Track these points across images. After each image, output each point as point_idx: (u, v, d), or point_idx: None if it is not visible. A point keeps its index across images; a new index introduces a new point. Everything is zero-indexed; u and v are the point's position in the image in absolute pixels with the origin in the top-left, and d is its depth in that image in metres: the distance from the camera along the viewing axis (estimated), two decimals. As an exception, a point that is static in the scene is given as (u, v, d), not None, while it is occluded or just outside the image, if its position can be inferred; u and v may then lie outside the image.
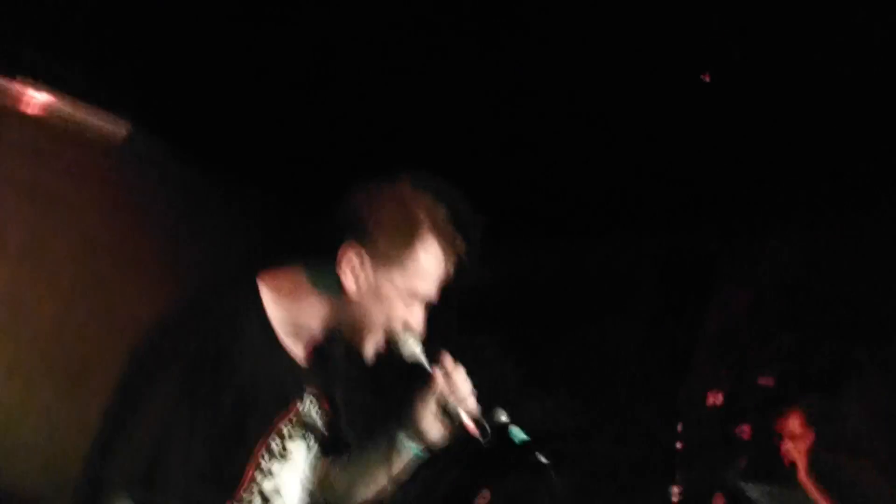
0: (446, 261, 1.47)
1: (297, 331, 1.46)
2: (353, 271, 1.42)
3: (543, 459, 2.08)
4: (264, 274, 1.48)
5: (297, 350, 1.47)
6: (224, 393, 1.31)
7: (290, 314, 1.44)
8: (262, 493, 1.41)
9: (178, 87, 3.69)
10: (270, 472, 1.42)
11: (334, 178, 4.44)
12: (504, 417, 2.11)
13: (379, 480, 1.64)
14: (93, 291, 4.01)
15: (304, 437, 1.51)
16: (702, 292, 3.18)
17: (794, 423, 2.96)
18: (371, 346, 1.47)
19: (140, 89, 3.79)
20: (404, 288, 1.44)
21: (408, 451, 1.57)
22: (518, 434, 2.09)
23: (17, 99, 3.68)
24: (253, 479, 1.39)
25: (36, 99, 3.73)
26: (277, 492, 1.44)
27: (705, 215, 3.70)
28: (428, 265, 1.45)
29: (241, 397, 1.33)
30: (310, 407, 1.51)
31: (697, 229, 3.77)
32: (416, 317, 1.48)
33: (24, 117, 3.77)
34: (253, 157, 4.44)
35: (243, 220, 4.73)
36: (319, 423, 1.55)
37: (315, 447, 1.55)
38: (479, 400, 1.65)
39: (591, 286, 4.39)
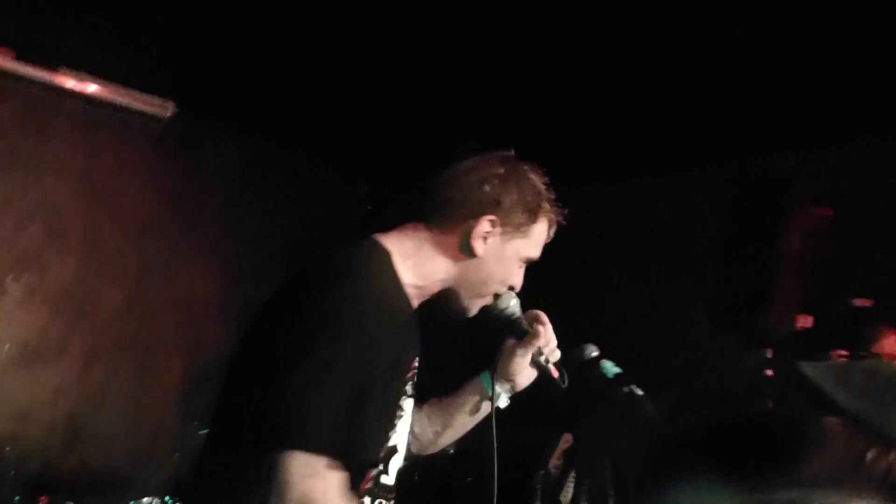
0: (550, 228, 1.64)
1: (418, 290, 1.52)
2: (486, 238, 1.52)
3: (638, 391, 2.02)
4: (385, 234, 1.52)
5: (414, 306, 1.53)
6: (383, 355, 1.35)
7: (416, 272, 1.50)
8: (387, 448, 1.47)
9: (219, 63, 3.64)
10: (395, 430, 1.48)
11: (379, 146, 4.42)
12: (595, 352, 2.07)
13: (465, 426, 1.76)
14: (156, 275, 4.05)
15: (412, 394, 1.56)
16: (779, 213, 3.04)
17: (891, 344, 2.82)
18: (480, 303, 1.58)
19: (181, 68, 3.76)
20: (523, 253, 1.58)
21: (497, 396, 1.67)
22: (611, 368, 2.04)
23: (61, 91, 3.68)
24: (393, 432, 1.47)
25: (79, 88, 3.71)
26: (396, 448, 1.49)
27: (771, 132, 3.54)
28: (541, 233, 1.61)
29: (394, 359, 1.39)
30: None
31: (766, 149, 3.62)
32: (519, 278, 1.62)
33: (70, 109, 3.77)
34: (301, 129, 4.41)
35: (296, 192, 4.71)
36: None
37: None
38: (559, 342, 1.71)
39: (661, 223, 4.26)
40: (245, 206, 4.45)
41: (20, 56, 3.47)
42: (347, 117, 4.20)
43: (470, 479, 4.24)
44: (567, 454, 3.88)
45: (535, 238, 1.59)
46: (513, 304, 1.63)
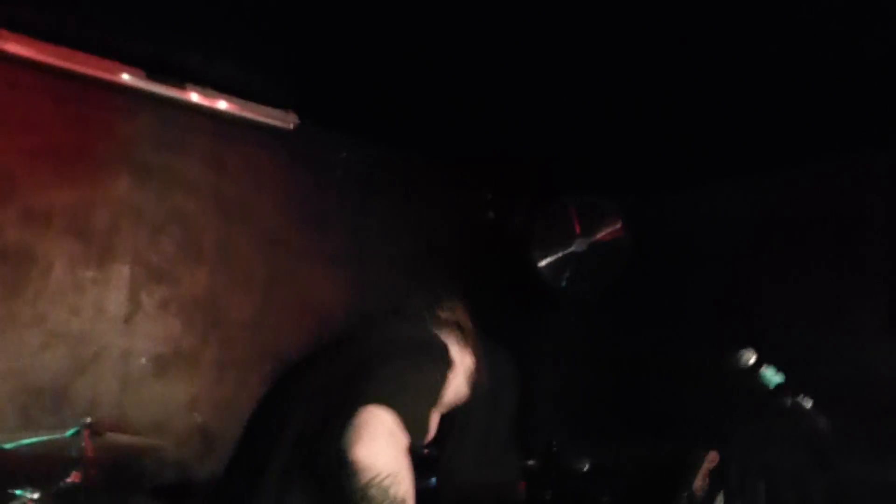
0: None
1: None
2: None
3: (806, 402, 1.76)
4: None
5: None
6: None
7: None
8: None
9: (340, 72, 3.61)
10: None
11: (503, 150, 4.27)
12: (753, 358, 1.82)
13: None
14: (283, 284, 4.09)
15: None
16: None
17: None
18: None
19: (303, 79, 3.77)
20: None
21: None
22: (772, 376, 1.79)
23: (189, 106, 3.77)
24: None
25: (206, 104, 3.80)
26: None
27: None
28: None
29: None
30: None
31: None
32: None
33: (198, 124, 3.86)
34: (423, 135, 4.36)
35: (419, 200, 4.66)
36: None
37: None
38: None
39: (823, 215, 3.86)
40: (370, 215, 4.46)
41: (150, 75, 3.58)
42: (471, 122, 4.10)
43: (606, 498, 3.99)
44: (713, 474, 3.56)
45: None
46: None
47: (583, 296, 4.58)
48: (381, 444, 1.50)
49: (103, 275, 3.52)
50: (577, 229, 4.56)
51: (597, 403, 4.33)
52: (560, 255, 4.57)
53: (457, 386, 2.05)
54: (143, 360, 3.54)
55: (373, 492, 1.47)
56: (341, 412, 1.56)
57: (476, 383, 2.14)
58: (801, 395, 1.71)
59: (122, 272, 3.57)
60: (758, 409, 1.99)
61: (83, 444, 2.56)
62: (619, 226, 4.56)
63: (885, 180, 3.40)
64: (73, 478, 2.50)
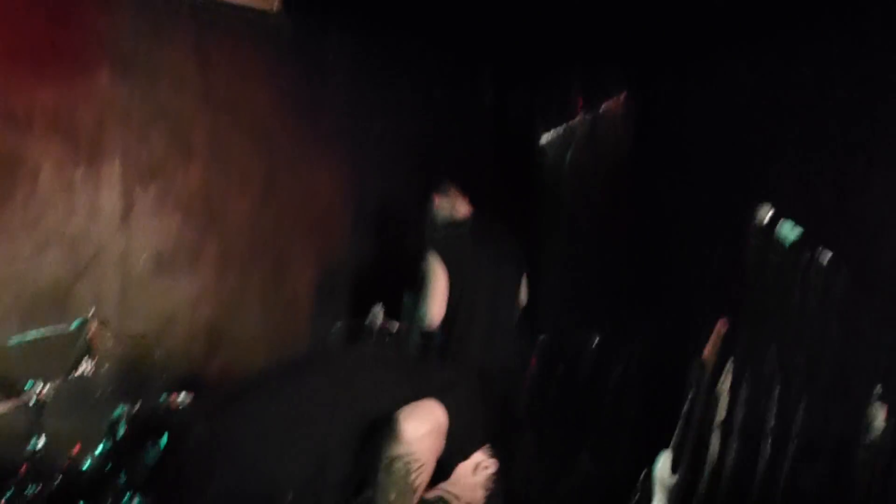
0: None
1: None
2: None
3: (826, 254, 1.70)
4: None
5: None
6: None
7: None
8: None
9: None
10: None
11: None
12: (770, 212, 1.74)
13: None
14: (282, 177, 4.00)
15: None
16: None
17: None
18: None
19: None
20: None
21: None
22: (789, 231, 1.72)
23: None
24: None
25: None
26: None
27: None
28: None
29: None
30: None
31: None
32: None
33: (179, 12, 3.67)
34: (417, 16, 4.13)
35: (418, 84, 4.47)
36: None
37: None
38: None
39: (834, 78, 3.67)
40: (365, 100, 4.28)
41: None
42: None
43: (618, 370, 4.02)
44: (724, 341, 3.56)
45: None
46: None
47: (587, 171, 4.48)
48: (425, 432, 1.72)
49: (94, 173, 3.43)
50: (580, 103, 4.41)
51: (606, 277, 4.29)
52: (563, 130, 4.43)
53: None
54: (143, 258, 3.49)
55: (398, 465, 1.65)
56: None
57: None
58: (819, 250, 1.63)
59: (112, 169, 3.47)
60: (771, 270, 1.93)
61: (89, 336, 2.56)
62: (623, 97, 4.39)
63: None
64: (84, 368, 2.49)
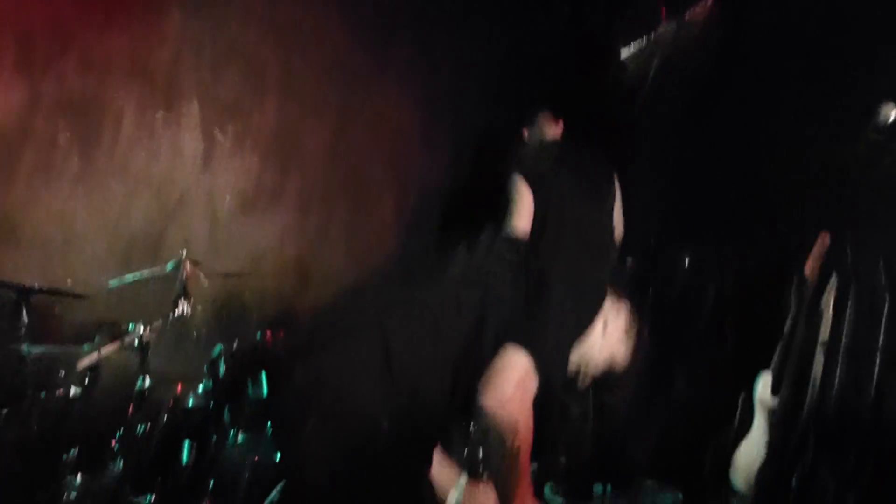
0: None
1: None
2: None
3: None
4: None
5: None
6: None
7: None
8: None
9: None
10: None
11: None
12: (894, 112, 1.59)
13: None
14: (356, 109, 3.94)
15: None
16: None
17: None
18: None
19: None
20: None
21: None
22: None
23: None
24: None
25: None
26: None
27: None
28: None
29: None
30: None
31: None
32: None
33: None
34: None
35: (492, 7, 4.27)
36: None
37: None
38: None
39: None
40: (437, 24, 4.12)
41: None
42: None
43: (711, 290, 3.88)
44: (827, 256, 3.37)
45: None
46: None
47: (673, 83, 4.23)
48: (508, 393, 1.62)
49: (174, 115, 3.45)
50: (663, 10, 4.13)
51: (696, 192, 4.10)
52: (645, 42, 4.18)
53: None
54: (228, 198, 3.53)
55: (491, 438, 1.61)
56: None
57: None
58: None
59: (191, 110, 3.48)
60: (882, 178, 1.77)
61: (185, 275, 2.60)
62: (711, 1, 4.10)
63: None
64: (182, 309, 2.54)
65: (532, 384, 1.67)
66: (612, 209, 3.54)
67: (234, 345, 2.67)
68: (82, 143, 3.27)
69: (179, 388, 2.59)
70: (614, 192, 3.54)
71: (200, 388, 2.59)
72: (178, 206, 3.43)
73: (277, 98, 3.74)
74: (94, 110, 3.32)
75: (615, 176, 3.59)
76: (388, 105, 3.99)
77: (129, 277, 2.66)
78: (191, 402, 2.57)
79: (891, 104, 1.54)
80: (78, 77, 3.26)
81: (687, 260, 4.01)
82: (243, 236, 3.58)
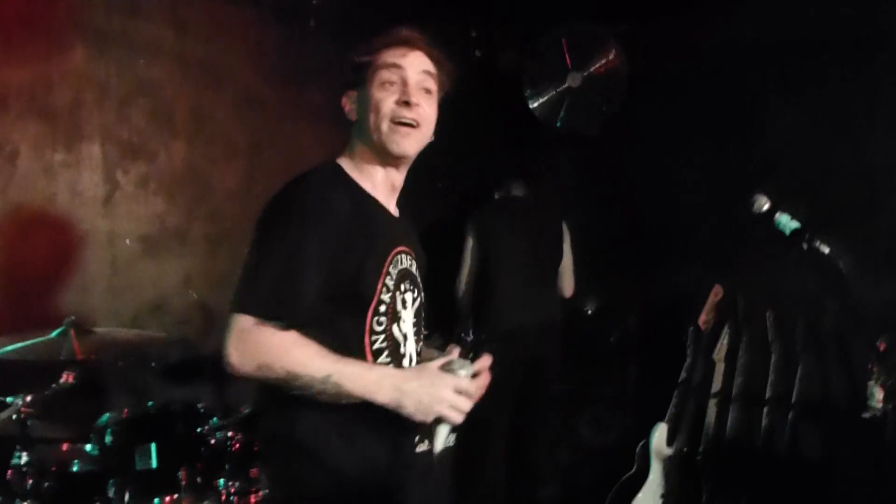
0: (404, 46, 1.78)
1: (382, 188, 1.82)
2: (350, 105, 1.83)
3: (824, 247, 1.65)
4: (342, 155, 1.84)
5: (394, 209, 1.86)
6: (331, 237, 1.61)
7: (367, 176, 1.79)
8: (394, 338, 1.71)
9: None
10: (402, 318, 1.74)
11: None
12: (767, 204, 1.69)
13: None
14: (267, 149, 3.90)
15: (409, 288, 1.78)
16: None
17: None
18: (385, 139, 1.75)
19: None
20: (377, 85, 1.75)
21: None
22: (787, 222, 1.66)
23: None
24: (392, 317, 1.70)
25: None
26: (406, 337, 1.74)
27: None
28: (385, 58, 1.75)
29: (350, 240, 1.64)
30: (405, 259, 1.78)
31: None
32: (406, 93, 1.74)
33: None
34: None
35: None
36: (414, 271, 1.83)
37: (418, 294, 1.82)
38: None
39: (827, 29, 3.58)
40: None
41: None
42: None
43: (613, 337, 4.01)
44: (720, 307, 3.54)
45: (382, 66, 1.74)
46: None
47: (580, 133, 4.38)
48: None
49: (74, 156, 3.34)
50: (569, 63, 4.29)
51: (601, 242, 4.24)
52: (553, 92, 4.33)
53: None
54: (128, 242, 3.42)
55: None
56: None
57: None
58: (818, 241, 1.58)
59: (92, 151, 3.38)
60: (766, 239, 1.89)
61: (72, 343, 2.48)
62: (613, 55, 4.28)
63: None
64: (65, 378, 2.43)
65: None
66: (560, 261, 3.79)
67: (124, 412, 2.55)
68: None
69: (63, 455, 2.46)
70: (562, 245, 3.81)
71: (85, 456, 2.46)
72: (75, 250, 3.31)
73: (186, 137, 3.67)
74: (-12, 149, 3.18)
75: (564, 228, 3.83)
76: (301, 146, 3.97)
77: (9, 348, 2.49)
78: (76, 468, 2.44)
79: (762, 196, 1.64)
80: (-29, 114, 3.13)
81: (592, 306, 4.15)
82: (145, 281, 3.48)
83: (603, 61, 4.30)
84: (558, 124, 4.32)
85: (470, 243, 3.85)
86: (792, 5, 3.74)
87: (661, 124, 4.17)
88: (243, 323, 1.53)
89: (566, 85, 4.31)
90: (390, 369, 1.65)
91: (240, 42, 3.85)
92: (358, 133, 1.79)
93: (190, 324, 3.56)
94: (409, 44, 1.78)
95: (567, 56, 4.28)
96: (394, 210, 1.84)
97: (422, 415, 1.56)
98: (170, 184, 3.58)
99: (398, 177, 1.83)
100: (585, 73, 4.29)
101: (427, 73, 1.78)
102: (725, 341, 3.50)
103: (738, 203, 1.75)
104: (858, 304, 2.65)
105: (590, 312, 4.08)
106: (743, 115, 3.90)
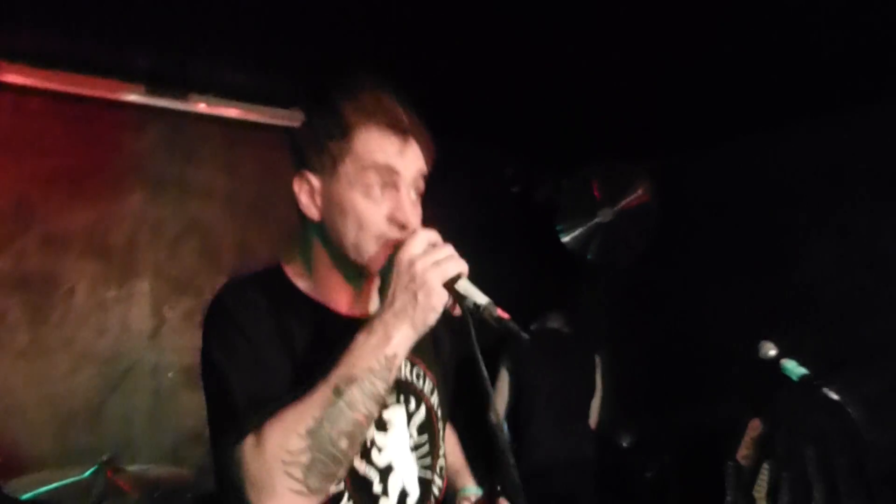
0: (399, 138, 1.34)
1: (335, 291, 1.41)
2: (308, 195, 1.40)
3: (833, 395, 1.66)
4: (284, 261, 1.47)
5: (353, 310, 1.43)
6: (286, 356, 1.30)
7: (305, 275, 1.42)
8: (377, 468, 1.35)
9: (338, 60, 3.51)
10: (378, 446, 1.36)
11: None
12: (773, 351, 1.73)
13: None
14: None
15: (400, 402, 1.42)
16: None
17: None
18: (369, 261, 1.34)
19: (302, 75, 3.69)
20: (360, 188, 1.32)
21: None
22: (794, 369, 1.69)
23: (195, 116, 3.74)
24: (365, 457, 1.34)
25: (211, 111, 3.77)
26: (390, 466, 1.37)
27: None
28: (374, 154, 1.32)
29: (309, 361, 1.30)
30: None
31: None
32: (401, 211, 1.33)
33: (207, 132, 3.83)
34: (439, 113, 4.19)
35: (442, 181, 4.49)
36: (416, 380, 1.46)
37: (420, 409, 1.45)
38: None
39: (861, 160, 3.67)
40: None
41: (151, 89, 3.55)
42: (487, 94, 3.92)
43: (649, 473, 3.92)
44: (759, 442, 3.46)
45: (367, 163, 1.31)
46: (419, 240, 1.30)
47: (612, 266, 4.47)
48: None
49: (126, 292, 3.54)
50: (599, 198, 4.44)
51: (635, 376, 4.24)
52: (585, 227, 4.46)
53: None
54: (171, 374, 3.56)
55: None
56: None
57: None
58: (826, 388, 1.61)
59: (142, 288, 3.57)
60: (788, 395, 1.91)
61: (105, 481, 2.54)
62: (642, 191, 4.42)
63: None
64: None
65: None
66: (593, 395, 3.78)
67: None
68: (29, 317, 3.32)
69: None
70: (595, 378, 3.81)
71: None
72: (120, 382, 3.45)
73: (231, 274, 3.85)
74: (49, 284, 3.40)
75: (597, 360, 3.85)
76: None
77: (43, 489, 2.55)
78: None
79: (767, 342, 1.69)
80: (36, 254, 3.37)
81: (628, 440, 4.09)
82: (186, 411, 3.58)
83: (632, 197, 4.44)
84: (589, 257, 4.42)
85: (504, 375, 3.89)
86: (815, 140, 3.86)
87: (694, 257, 4.24)
88: (249, 443, 1.19)
89: (597, 219, 4.45)
90: (367, 326, 1.26)
91: (284, 182, 4.07)
92: (320, 237, 1.39)
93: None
94: (405, 133, 1.35)
95: (597, 191, 4.44)
96: (353, 311, 1.43)
97: (430, 306, 1.24)
98: (214, 318, 3.74)
99: (370, 286, 1.45)
100: (615, 209, 4.43)
101: (421, 173, 1.39)
102: (766, 478, 3.41)
103: (750, 346, 1.79)
104: (870, 450, 2.59)
105: (625, 446, 4.02)
106: (775, 247, 3.95)
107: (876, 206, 3.62)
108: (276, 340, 1.31)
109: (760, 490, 3.40)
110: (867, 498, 3.18)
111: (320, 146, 1.36)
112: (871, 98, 3.62)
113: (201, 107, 3.74)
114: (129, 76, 3.52)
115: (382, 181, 1.32)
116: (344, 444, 1.19)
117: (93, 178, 3.58)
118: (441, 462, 1.47)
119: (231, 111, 3.86)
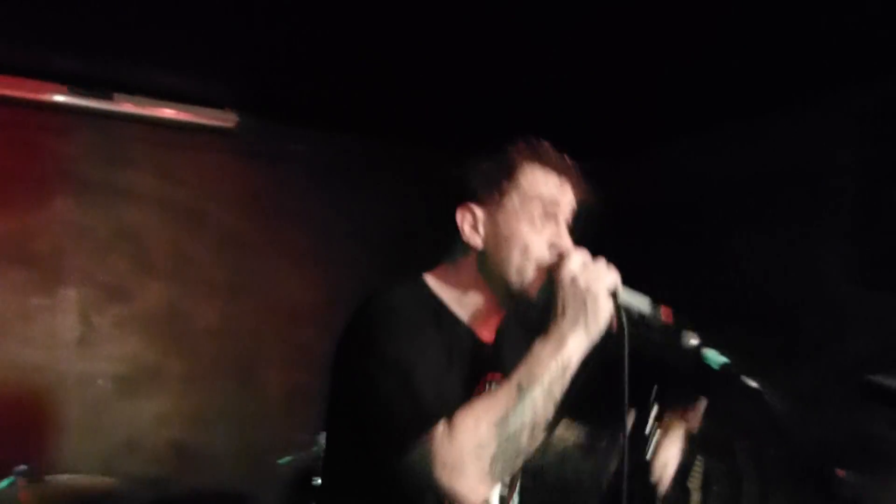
0: (558, 176, 1.54)
1: (477, 313, 1.55)
2: (472, 225, 1.53)
3: (752, 383, 1.69)
4: (429, 272, 1.61)
5: (487, 334, 1.58)
6: (421, 355, 1.37)
7: (457, 296, 1.55)
8: None
9: (276, 64, 3.46)
10: None
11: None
12: (694, 340, 1.73)
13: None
14: (247, 289, 3.98)
15: None
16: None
17: None
18: (528, 283, 1.49)
19: (238, 76, 3.62)
20: (525, 218, 1.49)
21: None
22: (715, 357, 1.70)
23: (121, 117, 3.64)
24: None
25: (138, 112, 3.67)
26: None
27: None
28: (539, 188, 1.51)
29: (435, 358, 1.40)
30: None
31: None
32: (558, 237, 1.51)
33: (135, 133, 3.73)
34: (375, 118, 4.16)
35: (382, 185, 4.42)
36: None
37: None
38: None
39: (786, 166, 3.77)
40: (331, 207, 4.24)
41: (76, 90, 3.45)
42: (426, 97, 3.88)
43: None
44: (692, 435, 3.52)
45: (530, 193, 1.50)
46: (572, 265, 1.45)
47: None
48: None
49: (51, 300, 3.43)
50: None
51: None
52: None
53: None
54: (101, 382, 3.46)
55: None
56: None
57: None
58: (745, 377, 1.65)
59: (69, 295, 3.47)
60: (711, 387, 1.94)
61: (18, 495, 2.44)
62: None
63: (854, 130, 3.32)
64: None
65: None
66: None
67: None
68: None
69: None
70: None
71: None
72: (49, 392, 3.34)
73: (164, 278, 3.77)
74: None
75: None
76: (280, 286, 4.06)
77: None
78: None
79: (690, 332, 1.71)
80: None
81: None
82: (119, 420, 3.49)
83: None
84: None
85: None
86: (746, 143, 3.95)
87: (621, 258, 4.28)
88: (440, 430, 1.25)
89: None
90: (542, 335, 1.39)
91: (221, 186, 4.00)
92: (479, 263, 1.51)
93: (164, 462, 3.53)
94: (562, 172, 1.54)
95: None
96: (487, 336, 1.57)
97: (598, 313, 1.40)
98: (146, 324, 3.65)
99: (499, 317, 1.59)
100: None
101: (573, 206, 1.56)
102: (699, 471, 3.47)
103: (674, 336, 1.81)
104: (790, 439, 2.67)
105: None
106: (703, 243, 4.03)
107: (801, 209, 3.72)
108: (437, 347, 1.42)
109: (695, 482, 3.45)
110: (794, 491, 3.26)
111: (489, 181, 1.52)
112: (801, 100, 3.71)
113: (127, 107, 3.63)
114: (56, 76, 3.40)
115: (544, 212, 1.50)
116: (525, 438, 1.29)
117: (16, 183, 3.47)
118: (518, 480, 1.63)
119: (164, 112, 3.76)
